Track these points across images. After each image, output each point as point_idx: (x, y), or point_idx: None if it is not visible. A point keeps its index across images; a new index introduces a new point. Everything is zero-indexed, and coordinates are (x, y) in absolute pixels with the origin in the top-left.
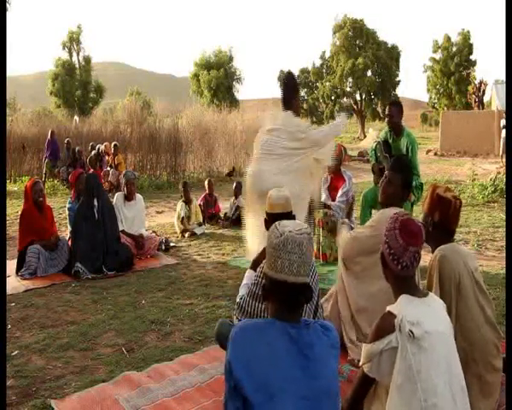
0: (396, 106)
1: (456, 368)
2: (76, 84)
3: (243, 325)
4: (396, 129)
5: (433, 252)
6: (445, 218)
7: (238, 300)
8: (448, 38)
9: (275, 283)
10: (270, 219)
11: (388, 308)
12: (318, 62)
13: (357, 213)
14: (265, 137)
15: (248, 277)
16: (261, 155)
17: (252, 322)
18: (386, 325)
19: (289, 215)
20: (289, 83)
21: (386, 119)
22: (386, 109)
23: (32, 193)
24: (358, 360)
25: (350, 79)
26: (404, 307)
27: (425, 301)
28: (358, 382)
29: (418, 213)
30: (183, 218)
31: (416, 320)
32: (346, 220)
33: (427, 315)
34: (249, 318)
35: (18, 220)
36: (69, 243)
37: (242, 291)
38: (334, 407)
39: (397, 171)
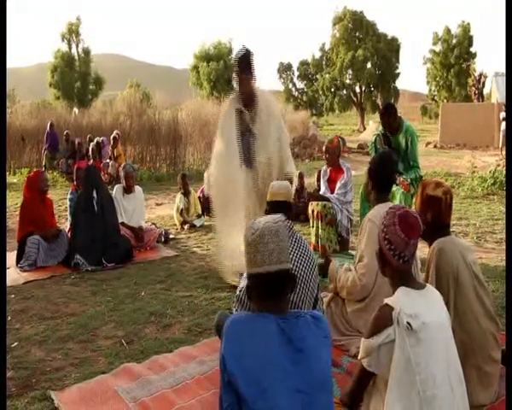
0: (388, 115)
1: (453, 358)
2: (75, 76)
3: (236, 318)
4: (394, 129)
5: (430, 246)
6: (437, 215)
7: (238, 292)
8: (448, 31)
9: (258, 277)
10: (271, 208)
11: (386, 301)
12: (318, 54)
13: (356, 205)
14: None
15: None
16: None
17: (244, 315)
18: (385, 318)
19: (290, 205)
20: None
21: (384, 126)
22: (380, 118)
23: (38, 181)
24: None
25: (350, 72)
26: (401, 300)
27: (422, 293)
28: (357, 376)
29: None
30: (181, 210)
31: (414, 312)
32: (337, 262)
33: (424, 307)
34: (248, 309)
35: (17, 212)
36: (69, 234)
37: (242, 284)
38: (328, 398)
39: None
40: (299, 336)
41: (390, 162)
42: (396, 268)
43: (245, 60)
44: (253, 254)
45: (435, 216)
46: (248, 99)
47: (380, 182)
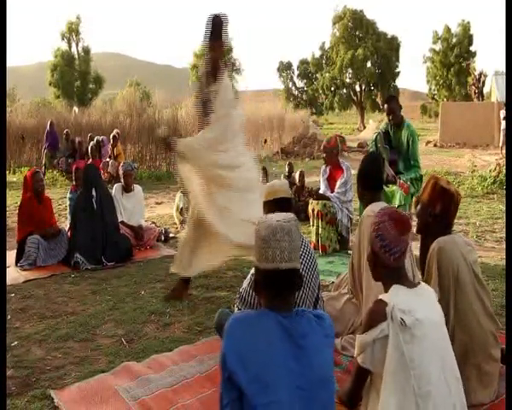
0: (394, 101)
1: (449, 357)
2: (75, 75)
3: (237, 316)
4: (397, 122)
5: (430, 244)
6: (446, 210)
7: (240, 290)
8: (448, 29)
9: (267, 273)
10: (272, 206)
11: (380, 296)
12: (318, 53)
13: (355, 204)
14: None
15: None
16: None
17: (246, 313)
18: (379, 313)
19: (290, 201)
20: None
21: (389, 116)
22: (386, 107)
23: (32, 182)
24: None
25: (349, 70)
26: (395, 296)
27: (416, 290)
28: (355, 374)
29: None
30: (181, 208)
31: (407, 309)
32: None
33: (418, 304)
34: (250, 308)
35: (17, 211)
36: (69, 233)
37: (245, 284)
38: (329, 396)
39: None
40: (300, 333)
41: (376, 163)
42: (387, 266)
43: (214, 26)
44: (265, 249)
45: (444, 209)
46: (214, 68)
47: (370, 185)
